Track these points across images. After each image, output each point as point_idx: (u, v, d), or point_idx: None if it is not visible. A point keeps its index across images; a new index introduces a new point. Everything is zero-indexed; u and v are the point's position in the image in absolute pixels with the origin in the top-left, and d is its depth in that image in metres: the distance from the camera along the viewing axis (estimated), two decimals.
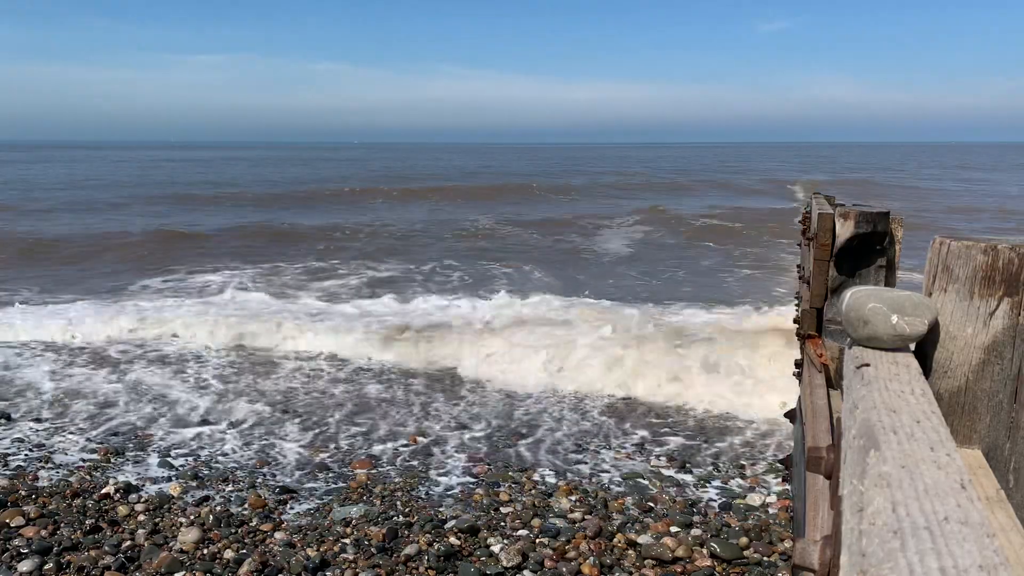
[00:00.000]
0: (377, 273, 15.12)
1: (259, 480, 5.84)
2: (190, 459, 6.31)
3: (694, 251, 18.50)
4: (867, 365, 1.76)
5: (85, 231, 20.56)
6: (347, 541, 4.84)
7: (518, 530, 5.04)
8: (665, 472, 6.13)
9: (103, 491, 5.49)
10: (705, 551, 4.76)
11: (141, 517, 5.15)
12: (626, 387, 8.18)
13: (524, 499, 5.50)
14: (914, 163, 77.57)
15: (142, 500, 5.40)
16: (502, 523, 5.13)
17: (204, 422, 7.23)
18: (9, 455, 6.30)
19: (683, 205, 28.80)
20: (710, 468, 6.24)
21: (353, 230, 21.57)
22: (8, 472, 5.91)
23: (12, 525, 4.95)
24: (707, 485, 5.88)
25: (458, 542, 4.84)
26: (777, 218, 23.21)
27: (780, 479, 6.00)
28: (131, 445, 6.60)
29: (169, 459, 6.29)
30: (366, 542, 4.82)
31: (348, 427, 7.14)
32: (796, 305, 6.10)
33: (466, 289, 13.45)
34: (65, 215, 24.41)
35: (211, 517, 5.11)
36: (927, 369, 2.10)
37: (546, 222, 23.71)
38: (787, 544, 4.88)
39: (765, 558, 4.73)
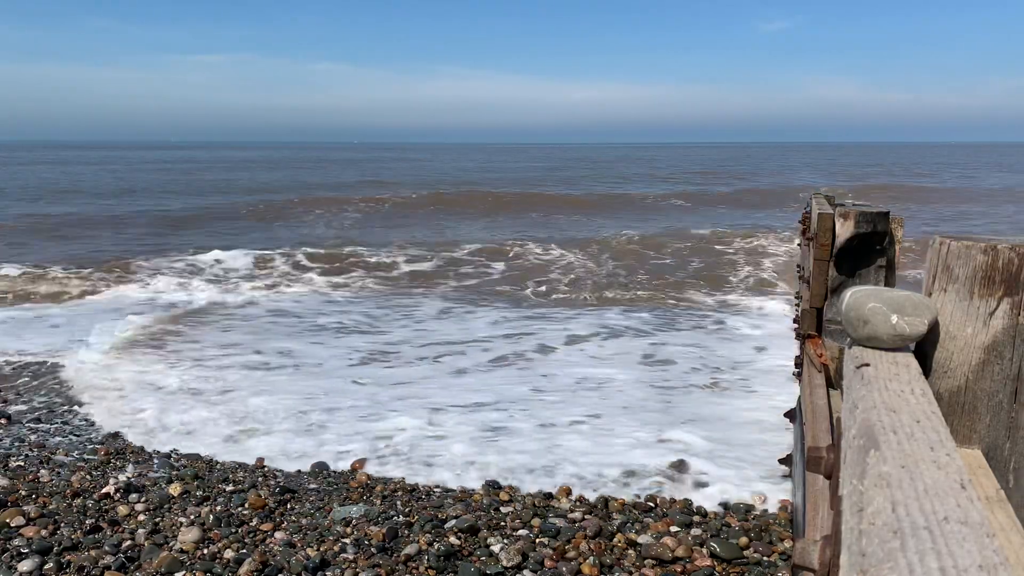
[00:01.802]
0: None
1: (259, 480, 5.84)
2: (190, 459, 6.31)
3: None
4: (867, 365, 1.77)
5: None
6: (347, 541, 4.84)
7: (518, 530, 5.04)
8: (665, 472, 6.12)
9: (103, 491, 5.49)
10: (705, 551, 4.76)
11: (141, 517, 5.15)
12: None
13: (524, 499, 5.50)
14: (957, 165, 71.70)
15: (142, 500, 5.40)
16: (502, 523, 5.14)
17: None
18: (9, 455, 6.30)
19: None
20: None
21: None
22: (8, 472, 5.91)
23: (12, 525, 4.95)
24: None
25: (458, 542, 4.84)
26: None
27: (780, 479, 6.00)
28: (132, 445, 6.59)
29: (170, 459, 6.29)
30: (366, 542, 4.82)
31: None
32: (796, 305, 6.11)
33: None
34: None
35: (211, 517, 5.11)
36: (927, 369, 2.10)
37: None
38: (787, 544, 4.88)
39: (765, 558, 4.73)
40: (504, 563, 4.59)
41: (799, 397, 4.76)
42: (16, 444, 6.57)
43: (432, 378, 8.47)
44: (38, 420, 7.23)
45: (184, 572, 4.49)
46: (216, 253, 16.52)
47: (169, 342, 9.98)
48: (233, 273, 15.27)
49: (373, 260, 16.65)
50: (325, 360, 9.19)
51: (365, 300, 13.17)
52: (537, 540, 4.89)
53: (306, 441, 6.63)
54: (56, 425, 7.08)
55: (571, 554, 4.72)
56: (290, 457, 6.35)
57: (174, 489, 5.58)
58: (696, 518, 5.23)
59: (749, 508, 5.41)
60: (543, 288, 14.28)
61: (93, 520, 5.06)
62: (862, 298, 1.95)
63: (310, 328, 10.97)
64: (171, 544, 4.79)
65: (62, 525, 4.99)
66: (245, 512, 5.23)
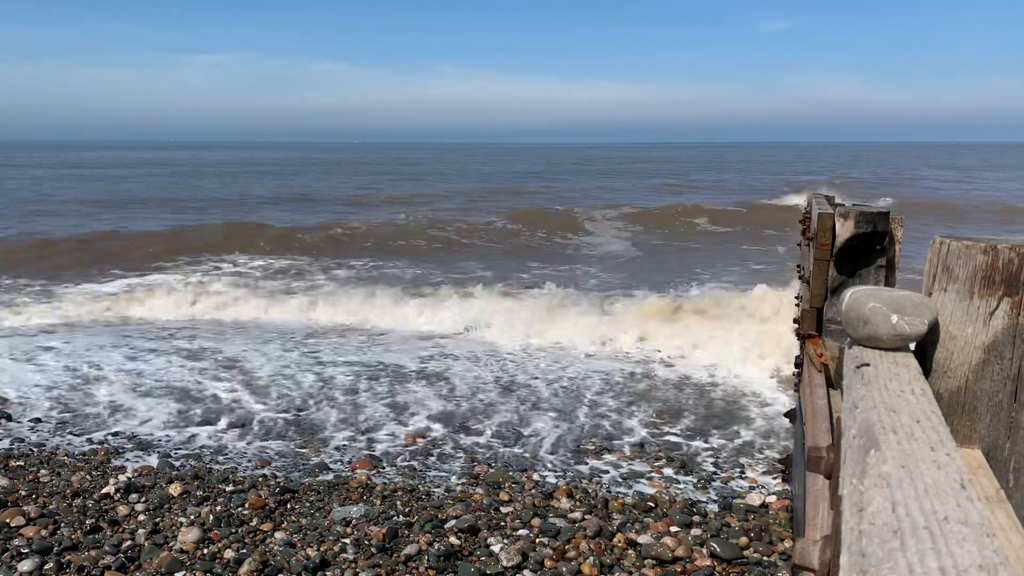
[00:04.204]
0: None
1: (259, 480, 5.84)
2: (191, 459, 6.31)
3: None
4: (867, 365, 1.76)
5: None
6: (347, 541, 4.84)
7: (518, 530, 5.04)
8: (665, 472, 6.13)
9: (103, 491, 5.49)
10: (705, 551, 4.76)
11: (141, 517, 5.15)
12: None
13: (524, 499, 5.50)
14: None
15: (142, 500, 5.40)
16: (502, 523, 5.13)
17: (205, 422, 7.24)
18: (9, 455, 6.30)
19: None
20: (710, 468, 6.24)
21: None
22: (8, 472, 5.90)
23: (12, 525, 4.95)
24: (707, 485, 5.88)
25: (458, 542, 4.84)
26: None
27: (780, 479, 6.00)
28: (131, 445, 6.59)
29: (170, 459, 6.28)
30: (366, 542, 4.82)
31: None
32: (796, 305, 6.10)
33: None
34: None
35: (211, 517, 5.11)
36: (927, 369, 2.10)
37: None
38: (787, 544, 4.88)
39: (765, 558, 4.73)
40: (504, 563, 4.58)
41: (799, 397, 4.76)
42: (16, 444, 6.57)
43: None
44: (38, 420, 7.23)
45: (184, 572, 4.48)
46: None
47: None
48: None
49: None
50: None
51: None
52: (537, 540, 4.89)
53: None
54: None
55: (571, 554, 4.72)
56: None
57: (174, 489, 5.57)
58: (696, 518, 5.23)
59: (749, 508, 5.41)
60: None
61: (93, 520, 5.06)
62: (862, 298, 1.94)
63: None
64: (171, 544, 4.79)
65: (62, 525, 4.99)
66: (245, 512, 5.23)
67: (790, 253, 16.31)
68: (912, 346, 2.00)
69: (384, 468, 6.15)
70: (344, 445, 6.71)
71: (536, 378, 8.69)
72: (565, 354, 9.78)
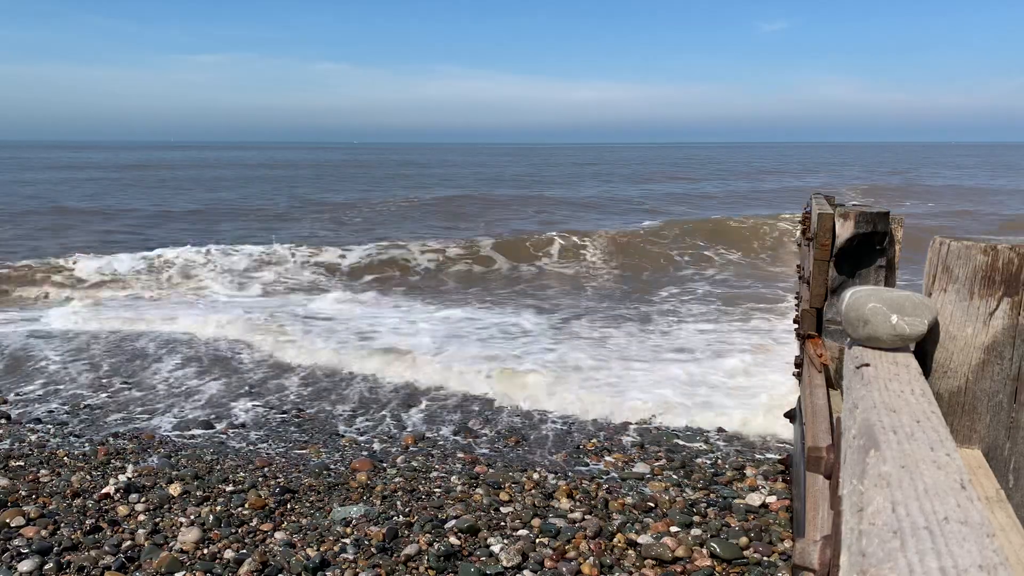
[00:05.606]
0: None
1: (259, 480, 5.84)
2: (191, 459, 6.30)
3: None
4: (867, 365, 1.76)
5: None
6: (347, 541, 4.84)
7: (518, 530, 5.04)
8: (665, 472, 6.13)
9: (103, 491, 5.49)
10: (705, 551, 4.76)
11: (141, 517, 5.15)
12: None
13: (524, 499, 5.50)
14: None
15: (142, 500, 5.40)
16: (502, 523, 5.13)
17: (206, 423, 7.23)
18: (9, 455, 6.30)
19: None
20: (710, 468, 6.24)
21: None
22: (8, 472, 5.90)
23: (12, 525, 4.95)
24: (707, 485, 5.88)
25: (458, 542, 4.84)
26: None
27: (780, 479, 6.00)
28: (131, 445, 6.59)
29: (170, 459, 6.28)
30: (366, 542, 4.82)
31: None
32: (796, 305, 6.11)
33: None
34: None
35: (211, 517, 5.11)
36: (927, 369, 2.10)
37: None
38: (787, 544, 4.88)
39: (765, 558, 4.73)
40: (504, 563, 4.58)
41: (799, 397, 4.76)
42: (16, 444, 6.56)
43: None
44: (38, 420, 7.23)
45: (184, 572, 4.48)
46: None
47: None
48: None
49: None
50: None
51: None
52: (537, 540, 4.89)
53: None
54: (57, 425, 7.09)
55: (571, 554, 4.72)
56: None
57: (174, 489, 5.57)
58: (696, 518, 5.23)
59: (749, 508, 5.41)
60: None
61: (93, 520, 5.06)
62: (862, 298, 1.95)
63: None
64: (171, 544, 4.79)
65: (62, 525, 4.99)
66: (245, 512, 5.23)
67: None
68: (912, 346, 2.00)
69: (384, 468, 6.15)
70: (344, 445, 6.70)
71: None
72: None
